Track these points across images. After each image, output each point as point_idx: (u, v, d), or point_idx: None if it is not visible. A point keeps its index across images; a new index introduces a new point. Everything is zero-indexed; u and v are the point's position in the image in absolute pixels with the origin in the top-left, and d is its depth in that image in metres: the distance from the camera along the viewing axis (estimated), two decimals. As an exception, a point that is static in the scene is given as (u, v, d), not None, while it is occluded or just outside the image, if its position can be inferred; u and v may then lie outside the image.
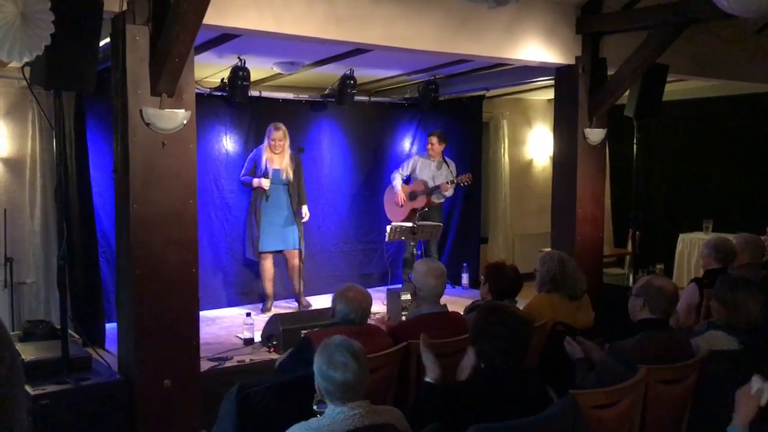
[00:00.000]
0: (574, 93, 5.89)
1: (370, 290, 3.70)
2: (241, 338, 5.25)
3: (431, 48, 5.12)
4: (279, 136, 6.15)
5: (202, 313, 4.56)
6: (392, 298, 5.62)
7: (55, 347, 4.00)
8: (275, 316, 5.11)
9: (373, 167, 7.62)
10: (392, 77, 7.28)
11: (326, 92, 7.01)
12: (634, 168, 6.65)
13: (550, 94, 7.19)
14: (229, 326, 5.79)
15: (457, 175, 7.07)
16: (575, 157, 5.97)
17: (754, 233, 5.24)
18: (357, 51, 5.48)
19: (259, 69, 6.25)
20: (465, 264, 7.50)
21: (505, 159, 8.93)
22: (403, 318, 5.02)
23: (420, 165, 7.19)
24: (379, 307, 5.70)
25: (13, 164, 5.69)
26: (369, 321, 3.76)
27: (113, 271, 5.30)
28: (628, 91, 6.12)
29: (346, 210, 7.44)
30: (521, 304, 4.04)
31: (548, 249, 4.87)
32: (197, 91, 4.50)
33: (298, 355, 3.37)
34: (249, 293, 6.77)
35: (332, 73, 6.58)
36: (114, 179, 4.14)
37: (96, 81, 3.75)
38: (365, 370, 2.35)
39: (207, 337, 5.15)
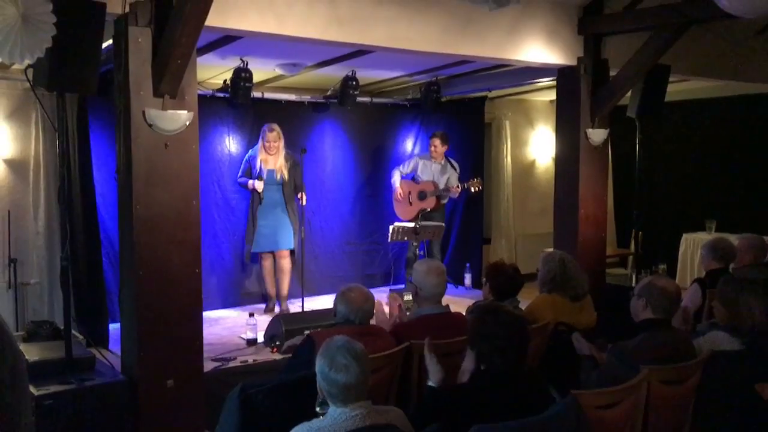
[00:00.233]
0: (576, 94, 5.88)
1: (373, 291, 3.68)
2: (244, 339, 5.25)
3: (433, 49, 5.12)
4: (273, 137, 6.12)
5: (204, 314, 4.56)
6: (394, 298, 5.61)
7: (59, 348, 4.02)
8: (278, 317, 5.12)
9: (376, 168, 7.61)
10: (394, 78, 7.28)
11: (328, 93, 7.01)
12: (636, 168, 6.64)
13: (552, 95, 7.19)
14: (232, 327, 5.80)
15: (461, 178, 7.07)
16: (577, 158, 5.97)
17: (757, 233, 5.23)
18: (359, 52, 5.48)
19: (261, 70, 6.26)
20: (468, 264, 7.50)
21: (508, 160, 8.93)
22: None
23: (421, 166, 7.18)
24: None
25: (17, 166, 5.71)
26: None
27: (116, 271, 5.33)
28: (630, 92, 6.12)
29: (348, 211, 7.44)
30: (523, 304, 4.04)
31: (550, 249, 4.87)
32: (200, 92, 4.51)
33: (301, 355, 3.38)
34: (252, 294, 6.77)
35: (334, 74, 6.59)
36: (117, 180, 4.15)
37: (99, 83, 3.76)
38: (367, 371, 2.36)
39: (210, 337, 5.15)
